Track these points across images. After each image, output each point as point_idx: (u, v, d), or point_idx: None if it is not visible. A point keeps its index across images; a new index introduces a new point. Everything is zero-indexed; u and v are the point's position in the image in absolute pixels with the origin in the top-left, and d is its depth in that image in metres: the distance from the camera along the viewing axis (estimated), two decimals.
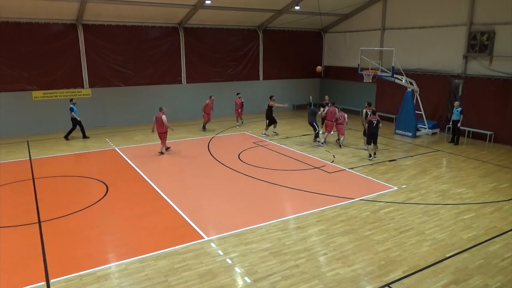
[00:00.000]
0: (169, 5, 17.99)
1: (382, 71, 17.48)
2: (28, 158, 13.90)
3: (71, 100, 16.65)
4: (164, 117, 13.99)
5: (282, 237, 8.12)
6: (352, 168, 12.72)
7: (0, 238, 8.14)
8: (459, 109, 15.42)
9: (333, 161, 13.58)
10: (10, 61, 16.98)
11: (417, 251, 7.57)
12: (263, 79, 23.92)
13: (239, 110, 19.45)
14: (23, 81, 17.43)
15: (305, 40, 24.69)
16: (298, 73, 24.91)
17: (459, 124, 15.79)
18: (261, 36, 23.15)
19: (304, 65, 24.98)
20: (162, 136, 14.24)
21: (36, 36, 17.36)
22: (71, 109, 16.32)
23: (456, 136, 15.92)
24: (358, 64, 18.00)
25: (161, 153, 14.30)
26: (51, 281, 6.61)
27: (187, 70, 21.34)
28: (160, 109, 14.24)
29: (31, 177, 11.84)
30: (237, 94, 19.73)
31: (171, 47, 20.61)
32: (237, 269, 6.98)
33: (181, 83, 21.33)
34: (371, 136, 13.65)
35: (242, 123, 19.86)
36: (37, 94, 17.73)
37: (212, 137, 17.19)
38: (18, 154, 14.44)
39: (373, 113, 14.29)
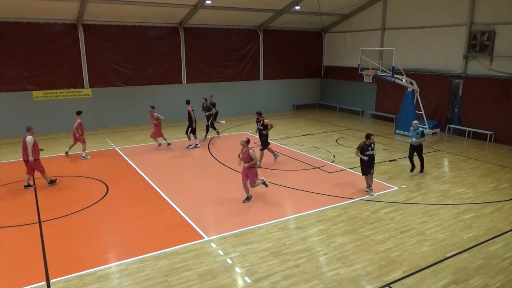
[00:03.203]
0: (169, 5, 17.99)
1: (382, 71, 17.48)
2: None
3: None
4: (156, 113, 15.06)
5: (282, 237, 8.12)
6: (352, 168, 12.71)
7: (0, 238, 8.14)
8: (419, 130, 11.88)
9: (333, 161, 13.57)
10: (11, 61, 16.99)
11: (418, 251, 7.57)
12: (263, 79, 23.91)
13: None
14: (24, 81, 17.45)
15: (305, 40, 24.69)
16: (298, 73, 24.90)
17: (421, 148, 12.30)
18: (261, 36, 23.15)
19: (304, 65, 25.00)
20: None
21: (37, 36, 17.37)
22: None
23: (421, 164, 12.33)
24: (359, 64, 18.01)
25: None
26: (52, 281, 6.61)
27: (187, 70, 21.34)
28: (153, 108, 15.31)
29: (32, 178, 11.82)
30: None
31: (171, 47, 20.62)
32: (237, 269, 6.98)
33: (181, 83, 21.34)
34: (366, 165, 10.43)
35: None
36: (38, 94, 17.74)
37: (212, 137, 17.18)
38: (18, 154, 14.35)
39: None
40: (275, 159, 13.45)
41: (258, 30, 23.01)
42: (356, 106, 23.12)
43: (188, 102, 15.67)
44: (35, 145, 10.89)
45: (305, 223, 8.78)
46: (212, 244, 7.81)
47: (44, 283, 6.57)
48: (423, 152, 12.32)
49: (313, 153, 14.57)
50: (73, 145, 14.16)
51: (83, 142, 13.90)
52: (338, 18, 23.21)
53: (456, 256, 7.41)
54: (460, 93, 17.61)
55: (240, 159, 9.86)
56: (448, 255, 7.42)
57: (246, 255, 7.41)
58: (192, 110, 15.28)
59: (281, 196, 10.46)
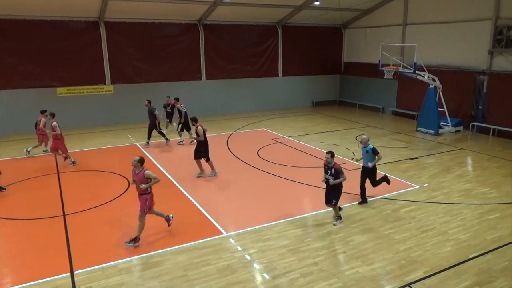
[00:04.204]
0: (189, 2, 18.15)
1: (403, 67, 17.16)
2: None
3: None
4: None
5: (301, 234, 8.11)
6: None
7: (26, 230, 8.41)
8: (370, 147, 9.38)
9: (352, 158, 13.43)
10: (36, 58, 17.46)
11: (439, 251, 7.43)
12: (282, 76, 23.83)
13: None
14: (48, 78, 17.91)
15: (324, 36, 24.45)
16: (317, 69, 24.70)
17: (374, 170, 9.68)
18: (280, 32, 23.05)
19: (323, 62, 24.77)
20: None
21: (61, 34, 17.78)
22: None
23: (362, 195, 9.66)
24: (379, 60, 17.72)
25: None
26: (75, 272, 6.80)
27: (207, 66, 21.46)
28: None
29: (56, 171, 12.17)
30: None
31: (191, 43, 20.76)
32: (255, 265, 7.01)
33: (201, 79, 21.48)
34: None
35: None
36: (61, 90, 18.18)
37: (231, 134, 17.26)
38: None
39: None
40: (197, 175, 11.60)
41: (277, 26, 22.92)
42: (377, 103, 22.80)
43: (177, 100, 15.89)
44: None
45: (324, 220, 8.74)
46: (231, 240, 7.87)
47: (68, 274, 6.75)
48: (376, 177, 9.66)
49: (333, 150, 14.42)
50: (42, 144, 13.79)
51: (41, 141, 13.60)
52: (358, 13, 22.88)
53: (480, 257, 7.25)
54: (484, 90, 17.13)
55: (133, 182, 7.78)
56: (471, 256, 7.27)
57: (264, 251, 7.44)
58: (182, 106, 15.64)
59: (299, 193, 10.43)
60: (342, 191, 8.47)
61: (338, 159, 13.29)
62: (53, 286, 6.41)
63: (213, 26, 21.09)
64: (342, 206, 9.40)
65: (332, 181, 8.08)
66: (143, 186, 7.67)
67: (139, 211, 7.81)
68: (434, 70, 18.12)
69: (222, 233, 8.15)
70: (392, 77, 17.50)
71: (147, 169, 7.77)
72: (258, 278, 6.67)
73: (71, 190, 10.74)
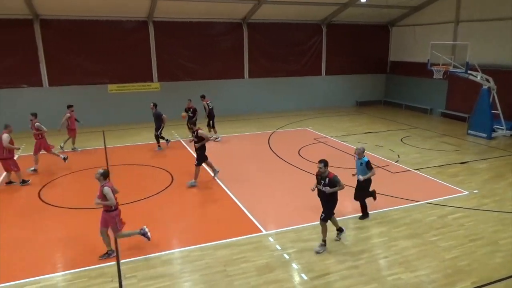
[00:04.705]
0: (233, 1, 18.38)
1: (454, 66, 16.35)
2: (103, 147, 15.04)
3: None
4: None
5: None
6: (418, 169, 12.11)
7: (76, 219, 8.92)
8: (365, 159, 8.55)
9: (397, 160, 13.03)
10: (90, 56, 18.43)
11: (489, 262, 7.05)
12: (325, 75, 23.52)
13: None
14: (101, 75, 18.85)
15: (370, 34, 23.81)
16: (362, 68, 24.13)
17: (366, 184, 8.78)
18: (324, 30, 22.74)
19: (369, 60, 24.14)
20: None
21: (112, 33, 18.64)
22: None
23: (361, 206, 8.88)
24: (428, 60, 17.02)
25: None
26: (121, 261, 7.13)
27: (250, 65, 21.63)
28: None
29: (106, 164, 12.79)
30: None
31: (235, 42, 21.01)
32: (294, 265, 7.00)
33: (244, 77, 21.69)
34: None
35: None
36: (112, 87, 19.08)
37: (273, 132, 17.30)
38: (94, 142, 15.67)
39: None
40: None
41: (321, 25, 22.63)
42: (424, 103, 21.90)
43: (203, 97, 16.09)
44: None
45: (366, 223, 8.56)
46: (270, 239, 7.90)
47: (114, 263, 7.10)
48: (368, 191, 8.79)
49: (376, 151, 14.09)
50: (69, 139, 14.26)
51: (70, 135, 14.13)
52: (406, 10, 22.07)
53: None
54: None
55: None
56: None
57: (303, 251, 7.41)
58: (208, 103, 15.80)
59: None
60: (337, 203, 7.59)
61: (381, 160, 12.97)
62: (100, 273, 6.76)
63: (257, 24, 21.20)
64: (383, 210, 9.16)
65: (328, 189, 7.25)
66: (96, 201, 7.05)
67: (112, 229, 7.23)
68: (488, 70, 17.09)
69: (262, 231, 8.21)
70: (441, 77, 16.73)
71: (108, 185, 7.12)
72: (296, 278, 6.66)
73: (117, 182, 11.19)
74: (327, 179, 7.31)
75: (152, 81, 19.83)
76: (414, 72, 22.31)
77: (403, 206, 9.43)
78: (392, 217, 8.85)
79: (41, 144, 12.23)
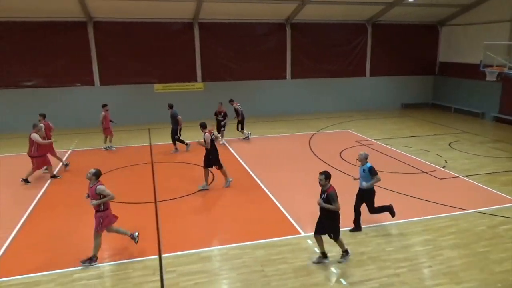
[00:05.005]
0: (277, 1, 18.41)
1: (510, 68, 15.38)
2: (149, 144, 15.60)
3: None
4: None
5: (382, 242, 7.78)
6: (466, 176, 11.53)
7: (122, 212, 9.29)
8: (368, 165, 8.01)
9: (444, 166, 12.47)
10: (137, 56, 19.17)
11: None
12: (369, 76, 22.96)
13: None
14: (148, 75, 19.57)
15: (418, 34, 22.91)
16: (408, 69, 23.29)
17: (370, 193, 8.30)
18: (369, 30, 22.20)
19: (416, 61, 23.26)
20: None
21: (159, 34, 19.28)
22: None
23: (356, 220, 8.32)
24: (481, 61, 16.16)
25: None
26: (163, 255, 7.37)
27: (292, 65, 21.56)
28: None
29: (151, 161, 13.27)
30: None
31: (277, 43, 21.02)
32: (333, 269, 6.91)
33: (286, 78, 21.66)
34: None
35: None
36: (158, 87, 19.75)
37: (314, 134, 17.14)
38: (140, 140, 16.29)
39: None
40: (200, 187, 10.79)
41: (366, 24, 22.11)
42: (476, 107, 20.78)
43: (232, 100, 16.25)
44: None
45: (409, 230, 8.27)
46: (309, 241, 7.85)
47: (156, 256, 7.35)
48: (373, 202, 8.18)
49: (422, 156, 13.57)
50: (107, 137, 14.69)
51: (108, 133, 14.58)
52: (457, 9, 21.04)
53: None
54: None
55: (87, 197, 7.20)
56: None
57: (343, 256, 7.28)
58: (238, 106, 16.05)
59: (382, 199, 9.94)
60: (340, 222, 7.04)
61: (427, 165, 12.47)
62: (143, 266, 7.03)
63: (300, 25, 21.08)
64: (428, 218, 8.81)
65: (322, 204, 6.79)
66: (94, 202, 7.01)
67: (94, 229, 7.17)
68: None
69: (300, 233, 8.17)
70: (495, 79, 15.86)
71: (101, 184, 7.09)
72: (335, 282, 6.56)
73: (163, 179, 11.63)
74: (325, 194, 6.77)
75: (196, 81, 20.30)
76: (465, 74, 21.22)
77: (450, 214, 9.01)
78: (438, 225, 8.49)
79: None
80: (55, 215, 9.20)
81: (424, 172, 11.98)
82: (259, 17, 20.14)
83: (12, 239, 8.04)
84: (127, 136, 15.83)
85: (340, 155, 13.74)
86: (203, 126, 10.73)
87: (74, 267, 6.99)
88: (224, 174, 10.88)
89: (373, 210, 8.25)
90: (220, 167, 10.76)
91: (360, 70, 22.79)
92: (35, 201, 9.98)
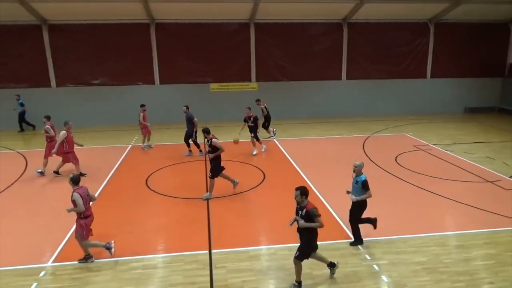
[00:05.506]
0: (334, 1, 18.12)
1: None
2: (203, 142, 16.00)
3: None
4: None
5: (440, 253, 7.37)
6: None
7: (174, 207, 9.68)
8: (362, 178, 7.54)
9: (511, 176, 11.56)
10: (195, 57, 19.86)
11: None
12: (430, 77, 21.84)
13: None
14: (204, 74, 20.18)
15: (485, 34, 21.42)
16: (473, 71, 21.85)
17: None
18: (432, 30, 21.11)
19: (482, 63, 21.77)
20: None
21: (215, 35, 19.79)
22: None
23: (353, 232, 7.86)
24: None
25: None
26: (213, 251, 7.55)
27: (348, 66, 21.10)
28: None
29: (204, 158, 13.62)
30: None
31: (333, 43, 20.69)
32: (384, 278, 6.67)
33: (341, 79, 21.24)
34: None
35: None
36: (214, 86, 20.28)
37: (368, 136, 16.64)
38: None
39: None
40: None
41: (428, 24, 21.05)
42: None
43: (259, 100, 16.46)
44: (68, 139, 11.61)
45: (470, 242, 7.76)
46: (359, 247, 7.64)
47: (207, 251, 7.55)
48: (361, 214, 7.66)
49: (486, 164, 12.67)
50: (145, 137, 14.90)
51: (146, 133, 14.74)
52: None
53: None
54: None
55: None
56: None
57: (395, 264, 7.01)
58: (265, 107, 16.26)
59: (442, 208, 9.48)
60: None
61: (492, 174, 11.62)
62: (194, 260, 7.25)
63: (358, 24, 20.56)
64: (492, 230, 8.20)
65: (302, 223, 6.24)
66: (68, 208, 6.95)
67: (75, 234, 7.18)
68: None
69: (351, 238, 7.97)
70: None
71: (78, 191, 6.95)
72: None
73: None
74: (304, 210, 6.25)
75: (250, 81, 20.55)
76: None
77: None
78: (502, 239, 7.88)
79: (51, 148, 12.07)
80: (115, 205, 9.77)
81: (488, 181, 11.17)
82: (315, 17, 19.94)
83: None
84: (183, 133, 16.33)
85: (396, 160, 13.22)
86: (207, 132, 10.16)
87: (130, 256, 7.38)
88: (211, 186, 10.02)
89: (356, 221, 7.71)
90: (212, 177, 9.98)
91: (420, 72, 21.76)
92: (98, 191, 10.67)
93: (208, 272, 6.88)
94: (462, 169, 12.26)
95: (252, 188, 10.82)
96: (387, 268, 6.91)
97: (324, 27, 20.49)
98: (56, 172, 11.99)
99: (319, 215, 6.18)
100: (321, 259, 6.61)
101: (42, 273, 6.86)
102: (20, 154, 14.53)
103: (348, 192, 7.81)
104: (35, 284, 6.56)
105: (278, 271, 6.91)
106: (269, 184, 11.21)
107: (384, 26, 20.73)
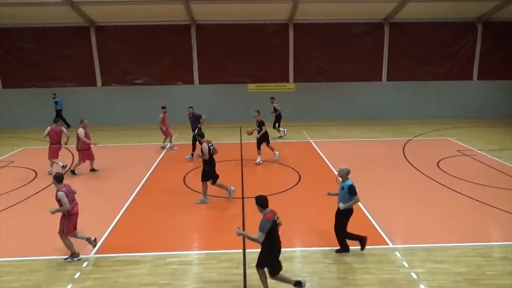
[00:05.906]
0: (376, 0, 17.69)
1: None
2: (239, 142, 16.21)
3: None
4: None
5: (483, 264, 7.02)
6: None
7: (210, 205, 9.83)
8: (348, 183, 7.20)
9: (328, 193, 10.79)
10: (233, 57, 20.09)
11: None
12: (477, 79, 20.83)
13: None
14: (241, 75, 20.37)
15: None
16: None
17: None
18: (480, 29, 20.11)
19: None
20: None
21: (254, 35, 19.93)
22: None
23: (338, 241, 7.51)
24: None
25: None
26: (247, 250, 7.61)
27: (389, 67, 20.56)
28: None
29: (240, 158, 13.78)
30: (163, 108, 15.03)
31: (374, 43, 20.23)
32: (422, 287, 6.45)
33: (381, 80, 20.72)
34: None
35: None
36: (251, 86, 20.42)
37: (409, 140, 16.13)
38: (232, 137, 17.00)
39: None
40: (229, 196, 10.16)
41: (476, 23, 20.07)
42: None
43: (273, 98, 16.76)
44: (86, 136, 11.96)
45: None
46: (397, 253, 7.43)
47: (241, 250, 7.62)
48: (346, 223, 7.32)
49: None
50: (166, 138, 15.08)
51: (167, 135, 14.90)
52: None
53: None
54: None
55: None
56: None
57: (435, 274, 6.76)
58: (277, 105, 16.50)
59: (485, 216, 9.02)
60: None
61: None
62: (228, 258, 7.35)
63: (400, 24, 19.97)
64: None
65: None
66: (51, 210, 7.00)
67: (59, 231, 7.19)
68: None
69: (388, 244, 7.77)
70: None
71: (63, 190, 6.97)
72: None
73: (250, 176, 12.01)
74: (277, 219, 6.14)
75: (288, 82, 20.50)
76: None
77: None
78: None
79: (55, 151, 12.27)
80: (154, 201, 10.08)
81: None
82: (355, 17, 19.59)
83: (117, 220, 9.02)
84: (220, 133, 16.64)
85: (438, 165, 12.73)
86: (201, 136, 9.95)
87: (167, 251, 7.59)
88: (205, 190, 9.93)
89: (341, 231, 7.36)
90: (213, 182, 9.86)
91: (466, 73, 20.81)
92: (138, 187, 11.06)
93: (242, 271, 6.94)
94: (510, 176, 11.60)
95: (287, 189, 10.80)
96: (426, 277, 6.67)
97: (364, 27, 20.08)
98: (72, 172, 12.10)
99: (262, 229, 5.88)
100: (284, 280, 6.20)
101: (85, 264, 7.21)
102: (67, 149, 15.30)
103: (329, 194, 7.70)
104: (78, 274, 6.90)
105: (312, 274, 6.85)
106: (304, 186, 11.14)
107: (428, 26, 20.01)
